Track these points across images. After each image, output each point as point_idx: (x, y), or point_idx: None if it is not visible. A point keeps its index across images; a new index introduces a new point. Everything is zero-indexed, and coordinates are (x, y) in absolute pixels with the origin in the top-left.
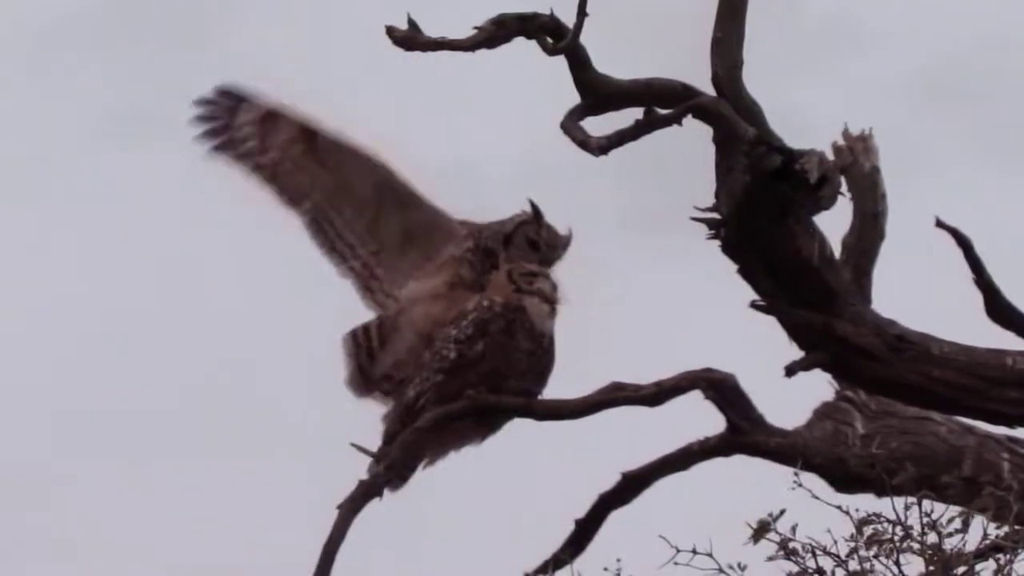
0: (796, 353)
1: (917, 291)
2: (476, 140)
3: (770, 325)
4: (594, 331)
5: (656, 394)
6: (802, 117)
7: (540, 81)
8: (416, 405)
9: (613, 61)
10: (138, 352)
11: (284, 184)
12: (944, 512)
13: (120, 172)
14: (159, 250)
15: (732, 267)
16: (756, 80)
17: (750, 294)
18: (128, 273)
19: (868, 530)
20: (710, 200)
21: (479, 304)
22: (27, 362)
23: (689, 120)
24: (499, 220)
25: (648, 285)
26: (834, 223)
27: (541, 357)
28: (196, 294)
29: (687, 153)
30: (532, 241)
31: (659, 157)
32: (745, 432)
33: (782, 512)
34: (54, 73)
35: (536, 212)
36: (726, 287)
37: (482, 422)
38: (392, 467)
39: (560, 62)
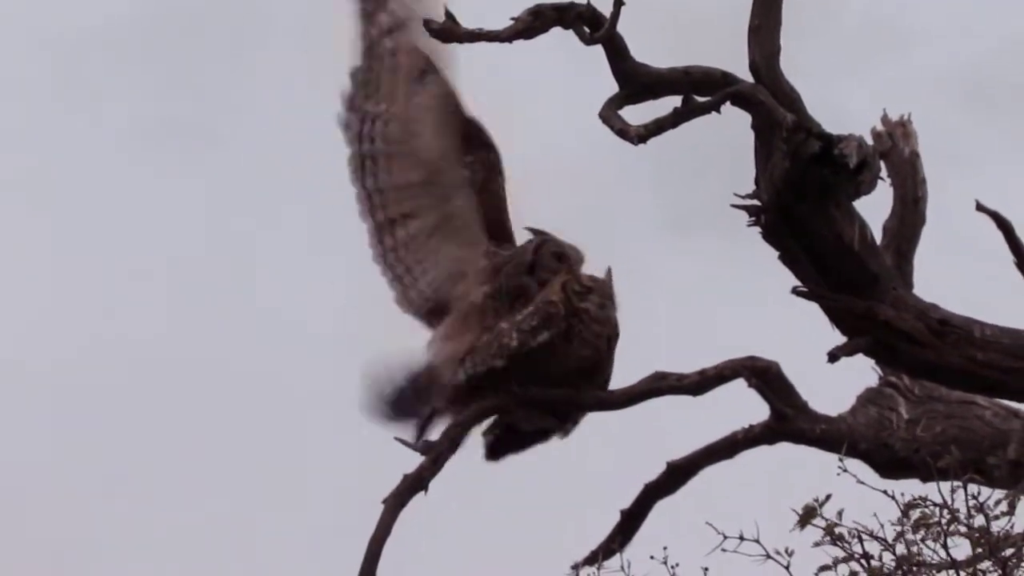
0: (839, 339)
1: (958, 279)
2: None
3: (812, 312)
4: (635, 323)
5: (700, 383)
6: (842, 115)
7: (568, 81)
8: (466, 386)
9: (649, 52)
10: (160, 364)
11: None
12: (990, 495)
13: (149, 183)
14: (185, 263)
15: (771, 258)
16: (795, 79)
17: (791, 282)
18: (154, 286)
19: (915, 514)
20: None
21: (546, 300)
22: (46, 370)
23: (727, 109)
24: (511, 255)
25: (687, 282)
26: (875, 208)
27: (597, 363)
28: (221, 309)
29: (714, 154)
30: (557, 255)
31: (690, 158)
32: (789, 419)
33: (828, 497)
34: (83, 84)
35: (541, 232)
36: (766, 278)
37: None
38: (438, 461)
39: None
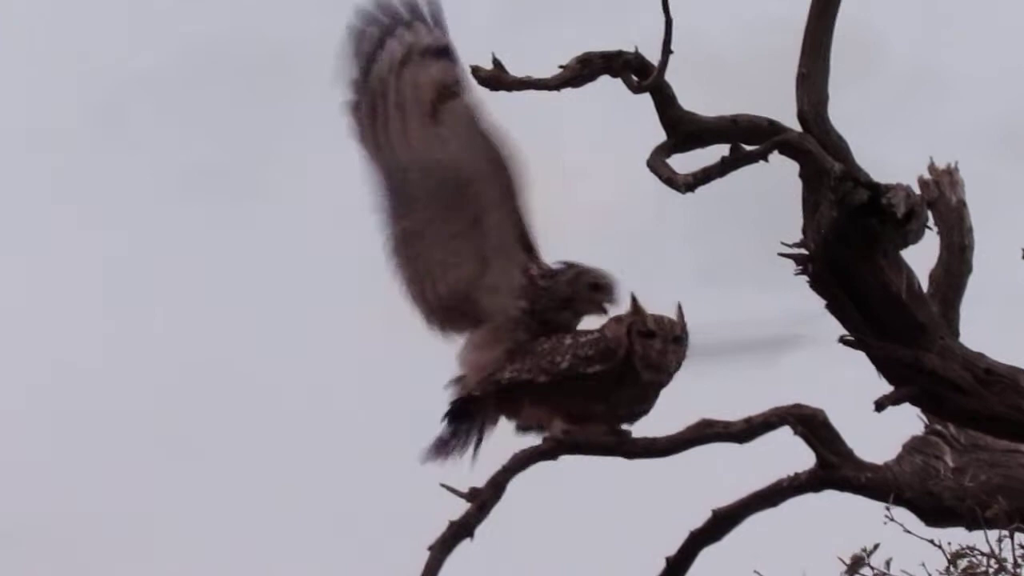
0: (885, 388)
1: (1002, 327)
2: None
3: (859, 360)
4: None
5: (746, 430)
6: (880, 164)
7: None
8: (505, 388)
9: (696, 101)
10: (208, 404)
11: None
12: None
13: (194, 229)
14: (233, 308)
15: (815, 307)
16: (836, 127)
17: (836, 330)
18: (203, 330)
19: (962, 563)
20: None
21: (610, 333)
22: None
23: (771, 159)
24: (547, 286)
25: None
26: (921, 256)
27: (642, 404)
28: (272, 346)
29: (746, 205)
30: (594, 285)
31: (721, 209)
32: (835, 467)
33: (876, 546)
34: (128, 130)
35: (574, 264)
36: (810, 325)
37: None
38: (484, 508)
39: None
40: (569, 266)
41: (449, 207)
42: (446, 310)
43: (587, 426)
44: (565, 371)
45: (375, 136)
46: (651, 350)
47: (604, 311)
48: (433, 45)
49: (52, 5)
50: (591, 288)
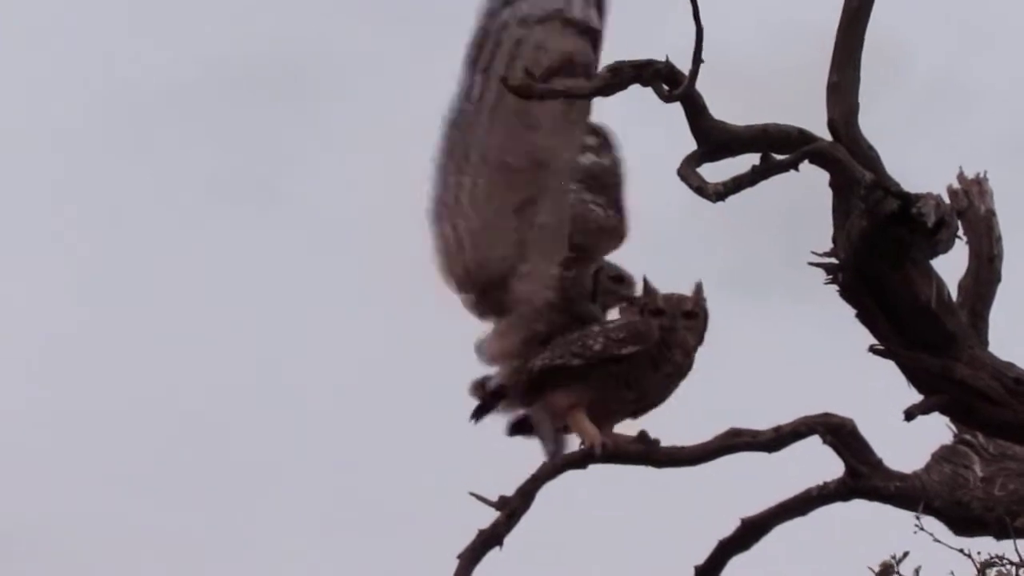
0: (915, 397)
1: None
2: None
3: (888, 369)
4: (710, 379)
5: (775, 440)
6: (907, 173)
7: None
8: (536, 375)
9: (724, 110)
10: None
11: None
12: None
13: (227, 241)
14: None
15: (835, 317)
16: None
17: (866, 339)
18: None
19: (991, 572)
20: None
21: (643, 320)
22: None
23: (804, 166)
24: (572, 279)
25: (759, 340)
26: (950, 266)
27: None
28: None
29: (768, 215)
30: (615, 278)
31: (744, 219)
32: (864, 476)
33: (906, 555)
34: (153, 141)
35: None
36: (839, 335)
37: None
38: (513, 516)
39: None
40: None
41: (508, 181)
42: (475, 286)
43: (616, 436)
44: (599, 353)
45: (472, 75)
46: (663, 328)
47: (626, 302)
48: (583, 21)
49: (81, 20)
50: (613, 280)
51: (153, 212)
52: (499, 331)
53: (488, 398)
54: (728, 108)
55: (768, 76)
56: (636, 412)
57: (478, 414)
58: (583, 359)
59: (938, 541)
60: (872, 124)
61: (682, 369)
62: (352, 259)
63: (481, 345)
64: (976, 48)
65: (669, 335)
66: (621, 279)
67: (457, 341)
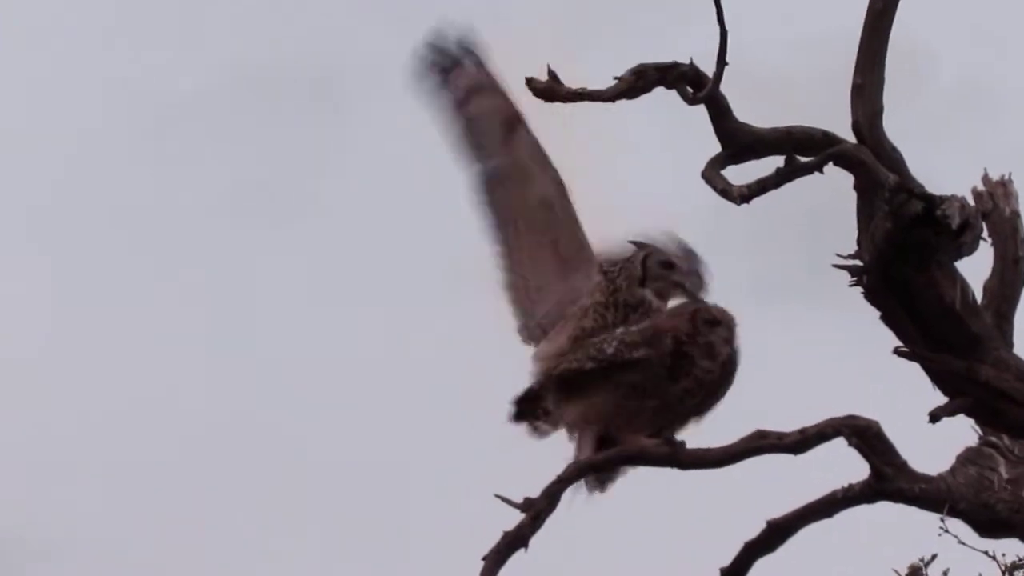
0: (940, 399)
1: None
2: None
3: (913, 371)
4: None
5: (800, 442)
6: (937, 177)
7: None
8: (559, 381)
9: (747, 113)
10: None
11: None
12: None
13: (245, 250)
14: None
15: (868, 319)
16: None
17: (890, 341)
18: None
19: (1018, 574)
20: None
21: (659, 322)
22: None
23: (829, 169)
24: (619, 267)
25: (784, 342)
26: (975, 268)
27: (693, 401)
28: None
29: (788, 221)
30: (664, 263)
31: (763, 225)
32: (889, 479)
33: (933, 557)
34: (178, 151)
35: (644, 244)
36: (864, 337)
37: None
38: (538, 518)
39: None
40: (640, 246)
41: (537, 233)
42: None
43: (641, 438)
44: (610, 356)
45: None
46: (717, 338)
47: (679, 287)
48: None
49: (104, 30)
50: (662, 266)
51: (164, 215)
52: (551, 335)
53: (519, 402)
54: (752, 111)
55: (793, 79)
56: (663, 426)
57: (515, 418)
58: (596, 362)
59: (963, 543)
60: (897, 127)
61: (706, 385)
62: (374, 262)
63: (537, 354)
64: (1002, 52)
65: (689, 346)
66: (671, 265)
67: (492, 342)
